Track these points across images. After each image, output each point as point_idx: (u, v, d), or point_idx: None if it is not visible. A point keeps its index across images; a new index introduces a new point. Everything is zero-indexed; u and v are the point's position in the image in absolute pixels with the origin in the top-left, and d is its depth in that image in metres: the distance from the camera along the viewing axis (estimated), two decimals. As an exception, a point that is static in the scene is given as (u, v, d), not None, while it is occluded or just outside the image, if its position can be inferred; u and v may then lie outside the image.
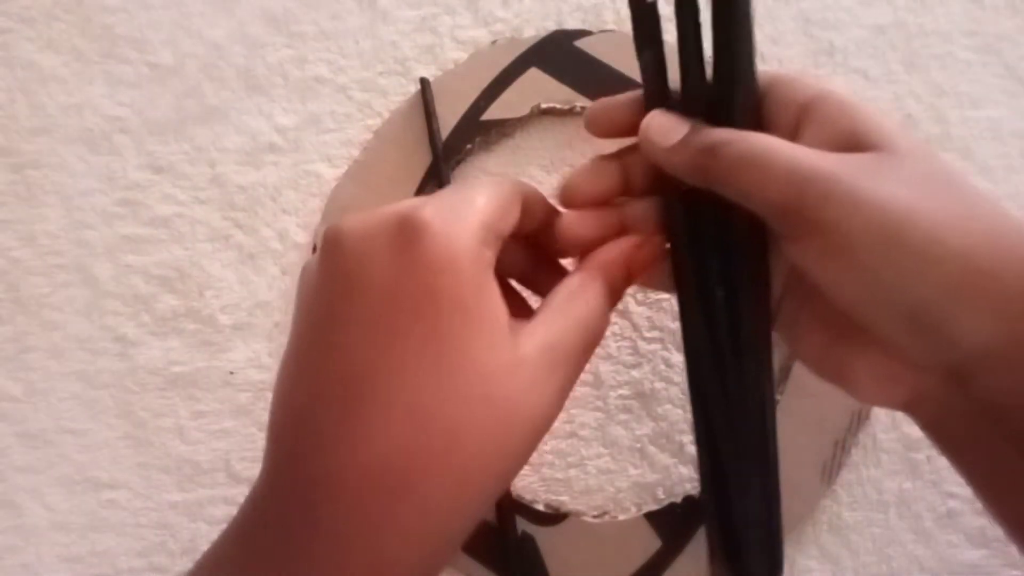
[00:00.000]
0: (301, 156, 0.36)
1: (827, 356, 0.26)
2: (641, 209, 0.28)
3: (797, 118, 0.25)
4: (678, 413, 0.35)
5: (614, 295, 0.27)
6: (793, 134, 0.25)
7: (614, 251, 0.28)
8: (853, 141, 0.24)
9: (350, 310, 0.23)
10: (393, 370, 0.23)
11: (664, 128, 0.26)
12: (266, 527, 0.23)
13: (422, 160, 0.36)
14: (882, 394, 0.25)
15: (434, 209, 0.23)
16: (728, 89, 0.26)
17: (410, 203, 0.23)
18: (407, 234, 0.23)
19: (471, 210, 0.24)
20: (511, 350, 0.23)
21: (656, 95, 0.27)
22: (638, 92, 0.27)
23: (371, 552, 0.23)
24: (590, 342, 0.26)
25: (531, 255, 0.29)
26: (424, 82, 0.36)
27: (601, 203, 0.28)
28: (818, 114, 0.25)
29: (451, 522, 0.23)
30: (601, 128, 0.28)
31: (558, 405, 0.25)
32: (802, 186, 0.23)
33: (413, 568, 0.23)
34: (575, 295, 0.26)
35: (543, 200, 0.27)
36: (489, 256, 0.24)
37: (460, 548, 0.30)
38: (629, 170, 0.28)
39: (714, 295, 0.27)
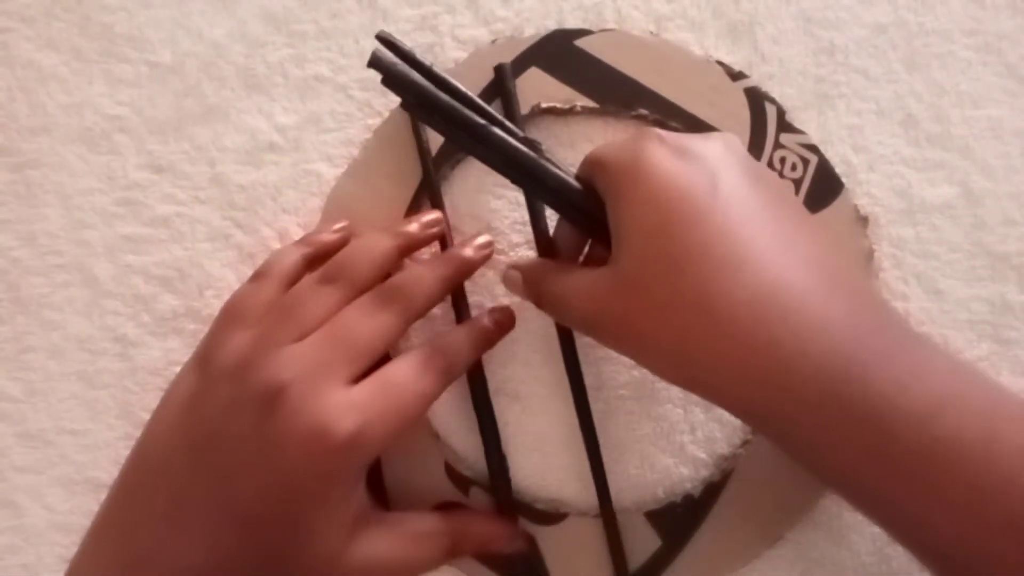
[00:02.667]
0: (301, 155, 0.36)
1: None
2: None
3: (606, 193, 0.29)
4: (678, 413, 0.35)
5: (451, 557, 0.32)
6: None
7: (480, 529, 0.33)
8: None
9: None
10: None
11: (513, 282, 0.33)
12: None
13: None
14: None
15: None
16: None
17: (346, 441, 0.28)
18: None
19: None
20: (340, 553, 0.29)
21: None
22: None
23: None
24: (408, 573, 0.31)
25: None
26: None
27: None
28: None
29: None
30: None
31: None
32: (588, 328, 0.29)
33: None
34: (422, 539, 0.31)
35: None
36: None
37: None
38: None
39: None
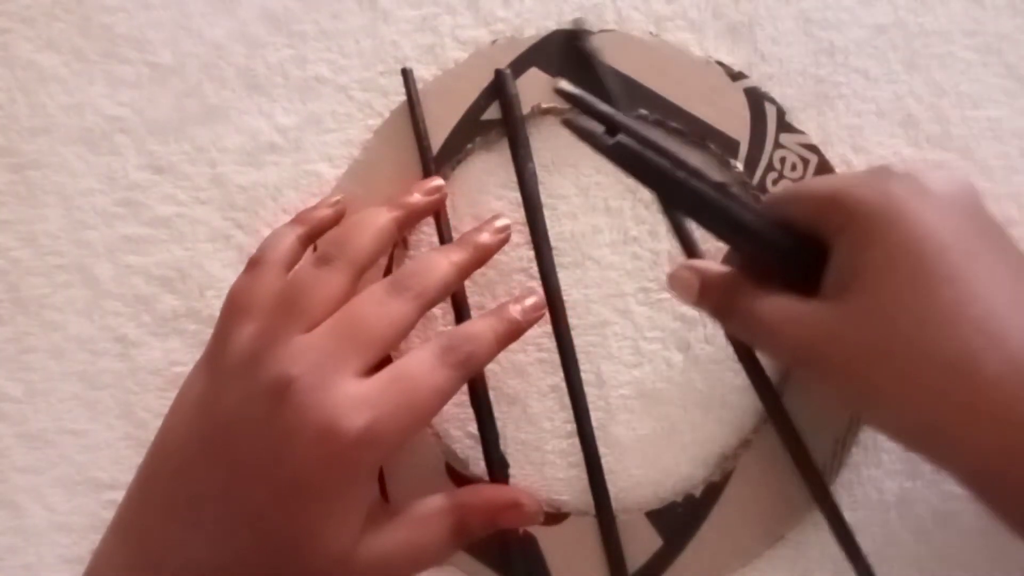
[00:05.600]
0: (302, 156, 0.36)
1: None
2: None
3: (818, 227, 0.28)
4: (679, 413, 0.35)
5: (462, 536, 0.30)
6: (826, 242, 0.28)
7: (485, 498, 0.32)
8: (844, 282, 0.27)
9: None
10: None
11: (685, 285, 0.31)
12: None
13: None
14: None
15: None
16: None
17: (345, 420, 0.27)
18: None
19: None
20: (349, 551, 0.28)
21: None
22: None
23: None
24: (420, 565, 0.30)
25: None
26: (406, 72, 0.36)
27: None
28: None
29: None
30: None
31: None
32: (796, 360, 0.28)
33: None
34: (428, 521, 0.30)
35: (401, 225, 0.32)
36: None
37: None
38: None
39: None
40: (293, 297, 0.29)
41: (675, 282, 0.31)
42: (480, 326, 0.30)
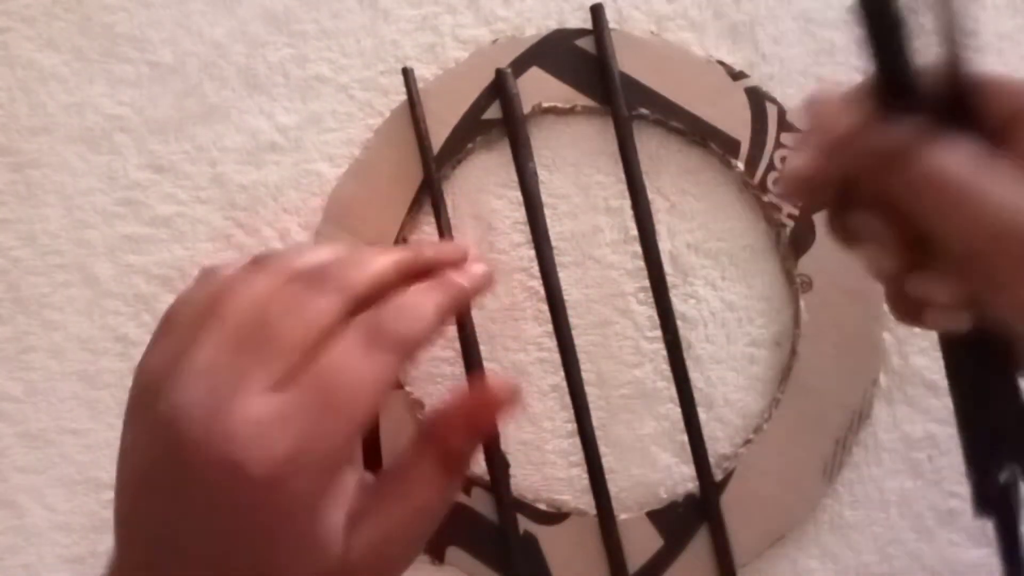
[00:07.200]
0: (302, 155, 0.36)
1: None
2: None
3: (1007, 125, 0.22)
4: (679, 412, 0.35)
5: (454, 467, 0.25)
6: (999, 143, 0.22)
7: (454, 410, 0.25)
8: None
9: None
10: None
11: (833, 112, 0.23)
12: None
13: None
14: None
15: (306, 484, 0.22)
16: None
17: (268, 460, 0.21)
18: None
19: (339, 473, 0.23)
20: (343, 554, 0.23)
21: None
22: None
23: None
24: (427, 526, 0.25)
25: None
26: (407, 72, 0.36)
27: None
28: None
29: None
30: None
31: None
32: (999, 242, 0.21)
33: None
34: (411, 474, 0.25)
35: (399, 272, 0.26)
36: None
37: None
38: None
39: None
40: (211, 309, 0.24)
41: (812, 107, 0.24)
42: (414, 297, 0.25)
